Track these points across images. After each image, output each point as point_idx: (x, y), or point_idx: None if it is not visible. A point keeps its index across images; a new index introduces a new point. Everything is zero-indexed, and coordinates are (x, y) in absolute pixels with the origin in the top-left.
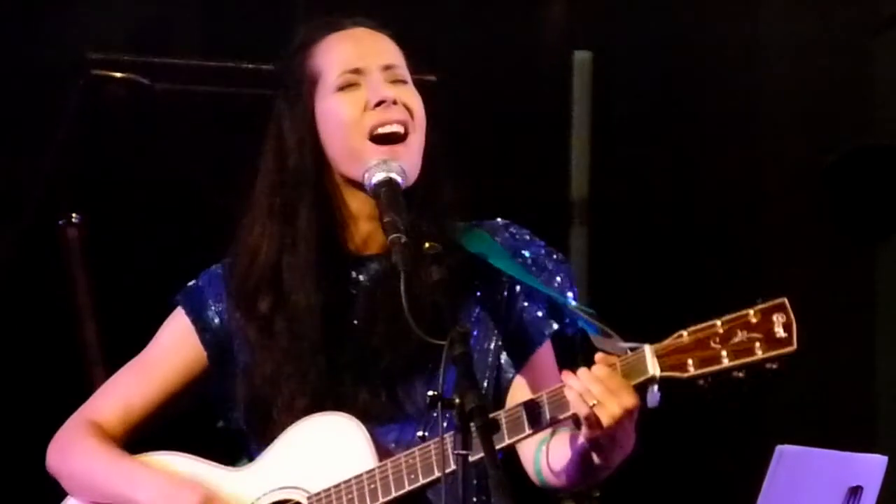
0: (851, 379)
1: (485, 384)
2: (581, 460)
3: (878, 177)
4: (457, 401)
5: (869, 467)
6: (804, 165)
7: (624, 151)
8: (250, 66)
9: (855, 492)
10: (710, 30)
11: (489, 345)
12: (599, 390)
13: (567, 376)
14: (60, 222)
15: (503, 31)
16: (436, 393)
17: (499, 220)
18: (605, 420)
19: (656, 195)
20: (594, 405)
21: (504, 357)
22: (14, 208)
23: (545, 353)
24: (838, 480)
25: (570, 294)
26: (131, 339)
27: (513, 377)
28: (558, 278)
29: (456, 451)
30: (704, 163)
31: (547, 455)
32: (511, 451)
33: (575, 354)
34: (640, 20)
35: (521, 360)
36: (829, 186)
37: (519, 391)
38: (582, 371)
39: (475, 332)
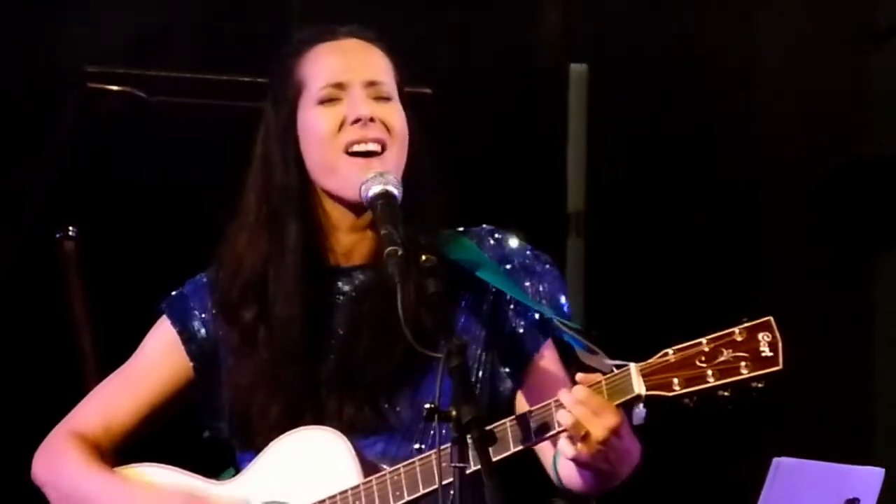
0: (849, 390)
1: (483, 397)
2: (586, 472)
3: (875, 188)
4: (453, 413)
5: (866, 480)
6: (802, 177)
7: (620, 164)
8: (247, 79)
9: None
10: (706, 42)
11: (485, 356)
12: (582, 412)
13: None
14: (57, 235)
15: (499, 43)
16: (432, 405)
17: (484, 226)
18: (589, 444)
19: (652, 207)
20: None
21: (502, 367)
22: (11, 221)
23: (545, 357)
24: (835, 493)
25: (560, 296)
26: (127, 350)
27: (513, 387)
28: (547, 281)
29: (453, 464)
30: (701, 174)
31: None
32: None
33: (567, 359)
34: (636, 33)
35: (518, 370)
36: (826, 198)
37: (523, 401)
38: (563, 394)
39: (476, 343)
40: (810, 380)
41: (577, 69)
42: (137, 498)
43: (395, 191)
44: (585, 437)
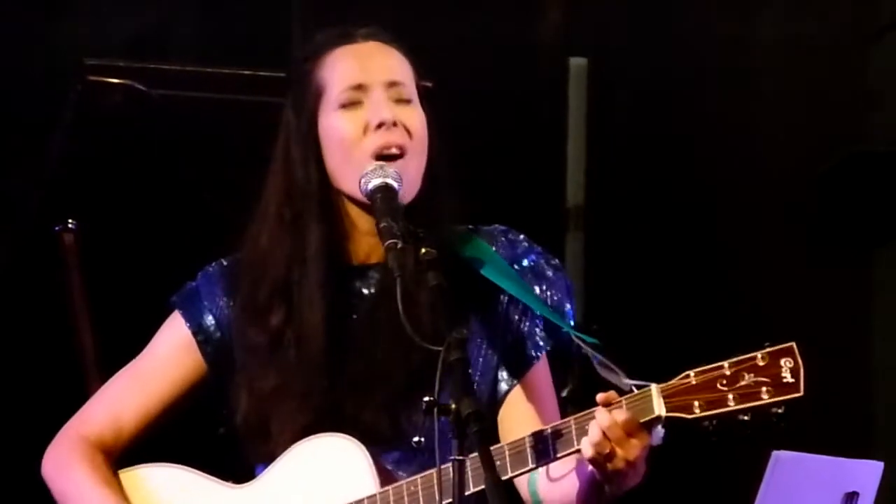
0: (848, 384)
1: (482, 395)
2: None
3: (873, 183)
4: (452, 406)
5: (865, 473)
6: (802, 171)
7: (619, 158)
8: (247, 72)
9: (851, 498)
10: (706, 37)
11: (487, 354)
12: (617, 435)
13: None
14: (57, 228)
15: (499, 38)
16: (431, 398)
17: (496, 226)
18: (619, 463)
19: (652, 202)
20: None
21: (501, 370)
22: (11, 214)
23: (541, 366)
24: (834, 486)
25: (567, 306)
26: (128, 345)
27: (509, 390)
28: (556, 288)
29: (451, 458)
30: (700, 169)
31: (547, 477)
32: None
33: (570, 362)
34: (636, 27)
35: (517, 374)
36: (825, 192)
37: (513, 405)
38: (600, 415)
39: (478, 340)
40: (809, 373)
41: (577, 63)
42: None
43: (395, 184)
44: (611, 457)
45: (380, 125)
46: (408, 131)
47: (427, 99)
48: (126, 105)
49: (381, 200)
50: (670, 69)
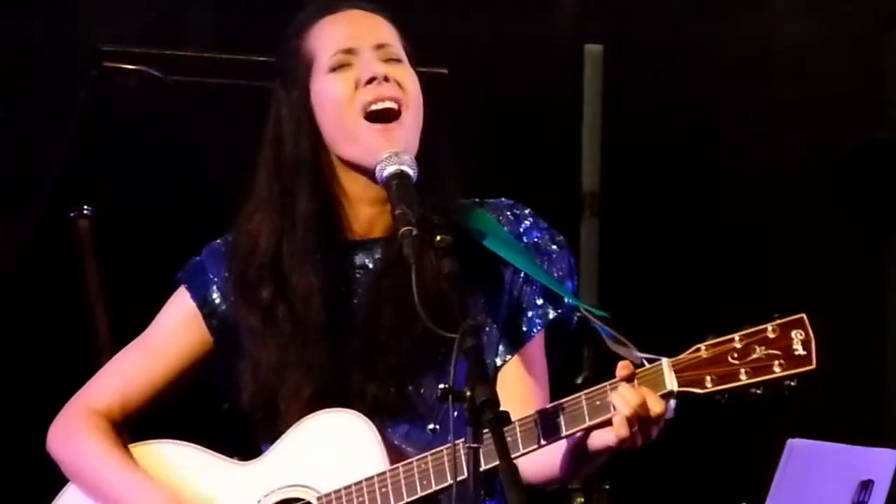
0: (863, 372)
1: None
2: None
3: (888, 170)
4: (468, 393)
5: (880, 461)
6: (815, 158)
7: (634, 144)
8: (262, 58)
9: (866, 485)
10: (721, 23)
11: (490, 329)
12: (642, 415)
13: (615, 397)
14: (72, 214)
15: (514, 24)
16: (447, 385)
17: (502, 199)
18: (637, 440)
19: (667, 187)
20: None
21: (501, 344)
22: (26, 200)
23: (537, 343)
24: (849, 474)
25: (569, 283)
26: (142, 329)
27: (502, 364)
28: (558, 265)
29: (467, 444)
30: (715, 155)
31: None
32: None
33: (568, 336)
34: (650, 13)
35: (515, 347)
36: (839, 180)
37: (507, 377)
38: (627, 391)
39: (481, 315)
40: (824, 361)
41: (593, 49)
42: (147, 498)
43: (410, 171)
44: (634, 436)
45: (371, 80)
46: (400, 87)
47: (436, 84)
48: (141, 91)
49: (397, 188)
50: (686, 55)
